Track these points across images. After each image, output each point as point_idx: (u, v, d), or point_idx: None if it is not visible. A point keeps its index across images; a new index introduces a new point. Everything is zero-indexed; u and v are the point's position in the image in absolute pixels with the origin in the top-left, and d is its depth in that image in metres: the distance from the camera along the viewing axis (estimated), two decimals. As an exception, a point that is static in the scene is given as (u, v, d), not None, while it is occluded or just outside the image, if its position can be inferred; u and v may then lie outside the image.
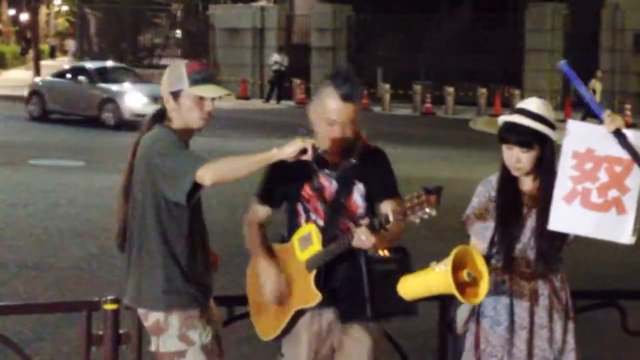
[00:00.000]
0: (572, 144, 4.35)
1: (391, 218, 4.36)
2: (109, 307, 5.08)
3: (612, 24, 34.13)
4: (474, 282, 4.33)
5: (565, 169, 4.34)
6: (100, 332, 5.11)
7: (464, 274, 4.29)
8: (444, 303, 5.16)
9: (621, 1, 34.41)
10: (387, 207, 4.57)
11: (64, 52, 62.24)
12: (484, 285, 4.33)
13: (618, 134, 4.25)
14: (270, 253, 4.82)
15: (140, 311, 4.79)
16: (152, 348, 4.77)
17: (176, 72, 4.73)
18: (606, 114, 4.32)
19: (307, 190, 4.74)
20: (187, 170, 4.43)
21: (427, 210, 4.25)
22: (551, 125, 4.49)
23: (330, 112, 4.59)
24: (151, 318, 4.71)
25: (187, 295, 4.68)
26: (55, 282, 9.82)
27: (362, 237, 4.46)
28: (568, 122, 4.40)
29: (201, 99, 4.68)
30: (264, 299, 4.79)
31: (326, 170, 4.70)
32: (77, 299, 8.37)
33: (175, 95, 4.69)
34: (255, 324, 4.96)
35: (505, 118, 4.58)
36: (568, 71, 4.50)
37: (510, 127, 4.51)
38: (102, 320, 5.13)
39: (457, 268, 4.27)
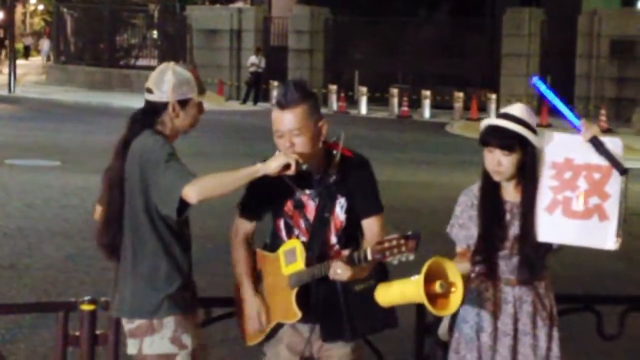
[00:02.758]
0: (550, 154, 4.38)
1: (369, 257, 4.35)
2: (86, 307, 5.07)
3: (589, 30, 34.29)
4: (447, 293, 4.35)
5: (545, 179, 4.36)
6: (77, 333, 5.10)
7: (437, 285, 4.30)
8: (422, 306, 5.17)
9: (598, 7, 34.60)
10: (376, 228, 4.62)
11: (39, 52, 61.92)
12: (456, 297, 4.35)
13: (595, 142, 4.29)
14: (254, 274, 4.81)
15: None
16: (132, 351, 4.70)
17: (183, 79, 4.67)
18: (581, 123, 4.36)
19: (289, 207, 4.72)
20: (177, 186, 4.41)
21: (406, 254, 4.26)
22: (533, 131, 4.51)
23: (274, 124, 4.58)
24: (139, 320, 4.65)
25: (183, 301, 4.67)
26: (30, 283, 9.76)
27: (338, 271, 4.45)
28: (545, 134, 4.44)
29: (201, 105, 4.68)
30: (246, 327, 4.79)
31: (306, 191, 4.68)
32: (53, 299, 8.37)
33: (184, 103, 4.66)
34: (239, 327, 4.94)
35: (487, 122, 4.60)
36: (540, 88, 4.56)
37: (492, 130, 4.53)
38: (78, 321, 5.11)
39: (431, 279, 4.29)
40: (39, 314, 7.44)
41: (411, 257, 4.26)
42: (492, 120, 4.59)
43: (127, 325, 4.71)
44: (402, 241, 4.26)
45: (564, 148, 4.38)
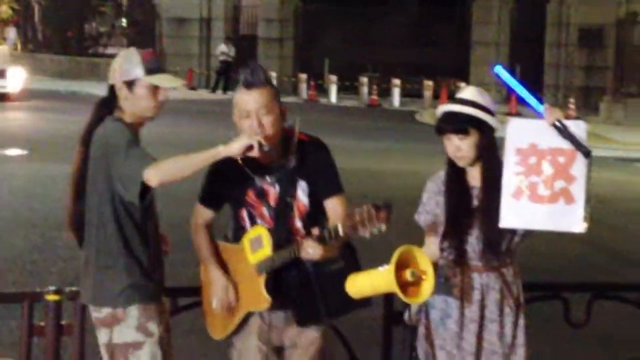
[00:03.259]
0: (515, 141, 4.38)
1: (341, 232, 4.33)
2: (51, 298, 5.03)
3: (558, 18, 34.40)
4: (418, 281, 4.34)
5: (510, 166, 4.36)
6: (42, 323, 5.06)
7: (408, 274, 4.29)
8: (389, 294, 5.16)
9: (567, -5, 34.74)
10: (340, 208, 4.59)
11: (4, 40, 61.45)
12: (428, 285, 4.34)
13: (558, 125, 4.29)
14: (220, 262, 4.79)
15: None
16: (104, 340, 4.68)
17: (130, 60, 4.65)
18: (544, 107, 4.36)
19: (250, 196, 4.70)
20: (137, 171, 4.39)
21: (378, 225, 4.23)
22: (487, 111, 4.50)
23: (241, 104, 4.56)
24: (106, 309, 4.65)
25: (146, 290, 4.64)
26: (-4, 273, 9.70)
27: (309, 250, 4.44)
28: (509, 120, 4.44)
29: (156, 88, 4.64)
30: (213, 308, 4.77)
31: (267, 178, 4.66)
32: (19, 289, 8.29)
33: (130, 84, 4.62)
34: (206, 320, 4.93)
35: (440, 109, 4.61)
36: (502, 75, 4.56)
37: (445, 117, 4.53)
38: (44, 311, 5.08)
39: (401, 267, 4.28)
40: (4, 304, 7.38)
41: (383, 228, 4.23)
42: (444, 107, 4.60)
43: (95, 314, 4.70)
44: (374, 212, 4.22)
45: (528, 134, 4.38)
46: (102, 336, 4.70)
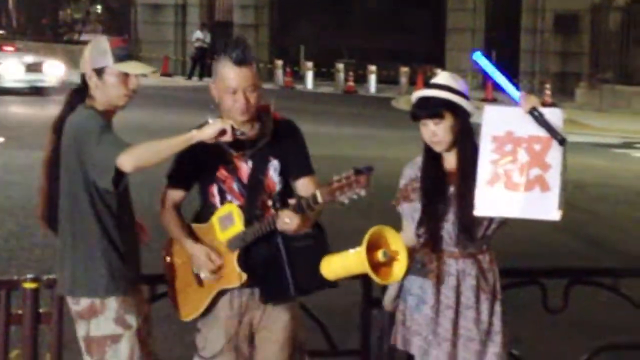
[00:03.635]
0: (491, 129, 4.38)
1: (320, 199, 4.31)
2: (29, 285, 5.02)
3: (533, 4, 34.45)
4: (391, 262, 4.35)
5: (486, 153, 4.36)
6: (20, 312, 5.04)
7: (380, 254, 4.31)
8: (367, 279, 5.17)
9: (542, -18, 34.79)
10: (312, 187, 4.55)
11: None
12: (400, 266, 4.35)
13: (534, 113, 4.30)
14: (192, 235, 4.77)
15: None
16: (82, 333, 4.66)
17: (99, 48, 4.64)
18: (521, 95, 4.37)
19: (222, 172, 4.69)
20: (110, 157, 4.37)
21: (357, 190, 4.21)
22: (461, 95, 4.51)
23: (228, 80, 4.56)
24: (84, 302, 4.62)
25: (125, 279, 4.62)
26: (-28, 261, 9.66)
27: (286, 220, 4.42)
28: (485, 108, 4.44)
29: (126, 75, 4.62)
30: (203, 277, 4.74)
31: (240, 152, 4.66)
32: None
33: (99, 72, 4.60)
34: (174, 304, 4.91)
35: (414, 95, 4.61)
36: (481, 62, 4.57)
37: (419, 102, 4.53)
38: (21, 299, 5.06)
39: (373, 248, 4.28)
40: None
41: (363, 193, 4.21)
42: (418, 92, 4.60)
43: (74, 306, 4.67)
44: (353, 177, 4.20)
45: (504, 121, 4.39)
46: (80, 329, 4.68)
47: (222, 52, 4.63)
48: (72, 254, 4.63)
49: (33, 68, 28.10)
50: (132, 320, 4.64)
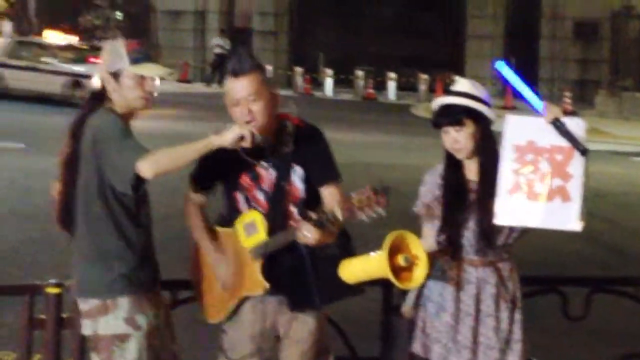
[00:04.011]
0: (513, 138, 4.38)
1: (339, 216, 4.32)
2: (52, 291, 5.03)
3: (553, 11, 34.42)
4: (411, 266, 4.35)
5: (507, 162, 4.36)
6: (43, 316, 5.06)
7: (400, 259, 4.31)
8: (388, 286, 5.19)
9: (562, -11, 34.73)
10: (334, 202, 4.52)
11: (1, 33, 61.29)
12: (421, 271, 4.35)
13: (556, 123, 4.30)
14: (216, 241, 4.79)
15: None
16: (88, 332, 4.67)
17: (115, 51, 4.66)
18: (543, 105, 4.38)
19: (245, 179, 4.70)
20: (131, 161, 4.38)
21: (377, 210, 4.22)
22: (481, 101, 4.52)
23: (230, 93, 4.57)
24: (93, 300, 4.63)
25: (138, 281, 4.63)
26: (-6, 266, 9.69)
27: (306, 234, 4.43)
28: (506, 117, 4.44)
29: (142, 78, 4.63)
30: (219, 285, 4.76)
31: (261, 162, 4.67)
32: (17, 282, 8.29)
33: (116, 75, 4.62)
34: (200, 305, 4.94)
35: (435, 103, 4.62)
36: (503, 71, 4.57)
37: (440, 110, 4.54)
38: (43, 304, 5.08)
39: (393, 253, 4.29)
40: (2, 297, 7.38)
41: (382, 212, 4.22)
42: (439, 100, 4.61)
43: (82, 305, 4.68)
44: (372, 196, 4.21)
45: (526, 131, 4.39)
46: (86, 328, 4.68)
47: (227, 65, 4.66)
48: (87, 254, 4.65)
49: None
50: (142, 321, 4.63)
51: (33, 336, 5.12)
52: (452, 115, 4.49)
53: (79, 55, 28.26)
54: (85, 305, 4.66)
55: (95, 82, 4.74)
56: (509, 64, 4.75)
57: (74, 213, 4.69)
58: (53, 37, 30.36)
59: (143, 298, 4.66)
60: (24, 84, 26.78)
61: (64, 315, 5.07)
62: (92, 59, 26.44)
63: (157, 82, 4.77)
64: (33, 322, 5.07)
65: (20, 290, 5.25)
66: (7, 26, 57.26)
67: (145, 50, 4.78)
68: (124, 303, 4.61)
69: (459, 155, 4.54)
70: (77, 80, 26.37)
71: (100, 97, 4.70)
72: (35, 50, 28.34)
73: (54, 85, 26.72)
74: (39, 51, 28.24)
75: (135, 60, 4.63)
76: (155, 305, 4.74)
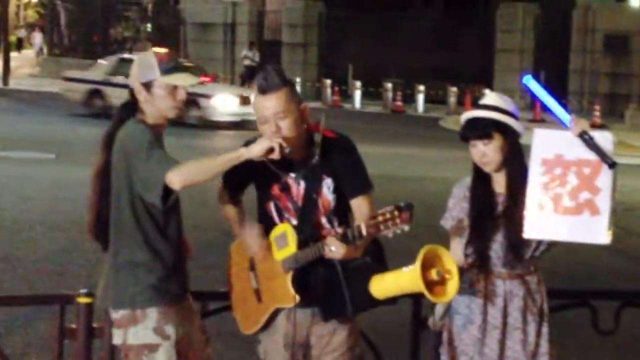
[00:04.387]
0: (540, 152, 4.37)
1: (364, 232, 4.37)
2: (83, 300, 5.06)
3: (583, 25, 34.33)
4: (443, 280, 4.36)
5: (535, 176, 4.36)
6: (73, 326, 5.09)
7: (433, 273, 4.31)
8: (417, 299, 5.19)
9: (592, 2, 34.62)
10: (366, 207, 4.61)
11: (32, 45, 61.67)
12: (453, 284, 4.36)
13: (584, 136, 4.30)
14: (246, 257, 4.82)
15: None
16: (118, 341, 4.70)
17: (146, 62, 4.69)
18: (571, 118, 4.38)
19: (275, 190, 4.73)
20: (159, 173, 4.41)
21: (400, 226, 4.28)
22: (510, 115, 4.52)
23: (258, 111, 4.59)
24: (124, 311, 4.66)
25: (167, 292, 4.66)
26: (24, 275, 9.75)
27: (333, 249, 4.46)
28: (534, 131, 4.44)
29: (174, 87, 4.66)
30: (251, 252, 4.77)
31: (290, 174, 4.69)
32: (47, 292, 8.35)
33: (148, 85, 4.65)
34: (235, 316, 4.96)
35: (464, 116, 4.62)
36: (531, 85, 4.57)
37: (468, 123, 4.54)
38: (74, 313, 5.11)
39: (426, 267, 4.30)
40: (33, 306, 7.43)
41: (406, 228, 4.27)
42: (467, 113, 4.61)
43: (113, 314, 4.71)
44: (396, 213, 4.27)
45: (554, 144, 4.38)
46: (116, 337, 4.72)
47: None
48: (116, 265, 4.68)
49: (245, 100, 25.21)
50: (171, 331, 4.65)
51: (63, 345, 5.15)
52: (480, 129, 4.49)
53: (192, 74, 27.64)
54: (116, 314, 4.69)
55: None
56: (536, 78, 4.74)
57: (106, 224, 4.73)
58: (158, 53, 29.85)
59: (172, 309, 4.67)
60: None
61: (95, 325, 5.10)
62: (202, 78, 24.75)
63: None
64: (64, 331, 5.09)
65: (51, 300, 5.29)
66: (38, 38, 57.77)
67: (176, 60, 4.82)
68: (152, 313, 4.63)
69: (487, 169, 4.54)
70: (194, 99, 24.34)
71: (130, 109, 4.73)
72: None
73: None
74: None
75: (166, 71, 4.65)
76: (185, 315, 4.76)
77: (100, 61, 29.54)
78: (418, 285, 4.26)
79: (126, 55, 28.67)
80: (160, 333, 4.63)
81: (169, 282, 4.67)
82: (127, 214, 4.61)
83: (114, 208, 4.67)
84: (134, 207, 4.60)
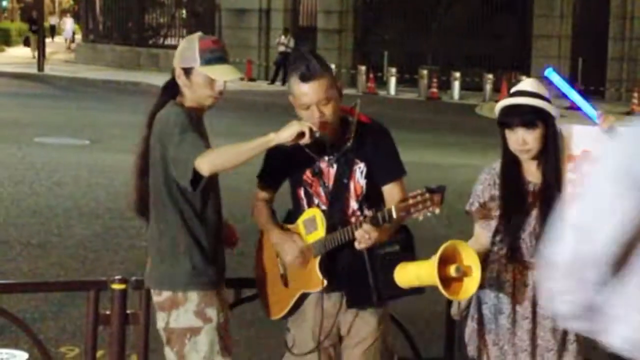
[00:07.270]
0: (568, 148, 4.32)
1: (395, 215, 4.34)
2: (117, 286, 5.06)
3: (622, 11, 34.01)
4: (462, 278, 4.31)
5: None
6: (108, 312, 5.09)
7: (452, 269, 4.27)
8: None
9: (631, -12, 34.31)
10: (397, 193, 4.59)
11: (63, 31, 61.87)
12: (471, 283, 4.31)
13: (612, 132, 4.23)
14: (280, 225, 4.81)
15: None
16: (161, 324, 4.72)
17: (190, 48, 4.67)
18: (598, 114, 4.31)
19: (308, 175, 4.72)
20: (189, 158, 4.40)
21: (431, 209, 4.26)
22: (550, 102, 4.47)
23: (299, 97, 4.56)
24: (166, 293, 4.68)
25: (207, 275, 4.66)
26: (59, 261, 9.78)
27: (363, 232, 4.43)
28: (561, 127, 4.38)
29: (212, 79, 4.64)
30: (288, 261, 4.73)
31: (325, 157, 4.67)
32: (81, 278, 8.38)
33: (187, 71, 4.65)
34: (263, 302, 4.95)
35: (503, 102, 4.55)
36: (553, 79, 4.50)
37: (510, 109, 4.48)
38: (107, 299, 5.11)
39: (447, 262, 4.25)
40: (67, 292, 7.45)
41: (437, 211, 4.27)
42: (507, 100, 4.55)
43: (156, 297, 4.74)
44: (427, 195, 4.26)
45: (581, 140, 4.33)
46: (159, 321, 4.73)
47: (291, 69, 4.65)
48: (158, 246, 4.70)
49: None
50: (213, 313, 4.66)
51: (97, 331, 5.14)
52: (524, 115, 4.43)
53: None
54: (159, 297, 4.71)
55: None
56: (557, 71, 4.67)
57: (148, 203, 4.75)
58: None
59: (213, 292, 4.68)
60: None
61: (129, 311, 5.09)
62: None
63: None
64: (98, 317, 5.09)
65: (85, 286, 5.28)
66: (69, 24, 57.94)
67: (223, 49, 4.77)
68: (193, 297, 4.64)
69: (525, 156, 4.48)
70: None
71: (172, 89, 4.73)
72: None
73: None
74: None
75: (208, 61, 4.63)
76: (223, 300, 4.77)
77: None
78: (433, 279, 4.22)
79: None
80: (202, 316, 4.64)
81: (209, 265, 4.67)
82: (164, 195, 4.64)
83: (153, 188, 4.71)
84: (170, 189, 4.62)
